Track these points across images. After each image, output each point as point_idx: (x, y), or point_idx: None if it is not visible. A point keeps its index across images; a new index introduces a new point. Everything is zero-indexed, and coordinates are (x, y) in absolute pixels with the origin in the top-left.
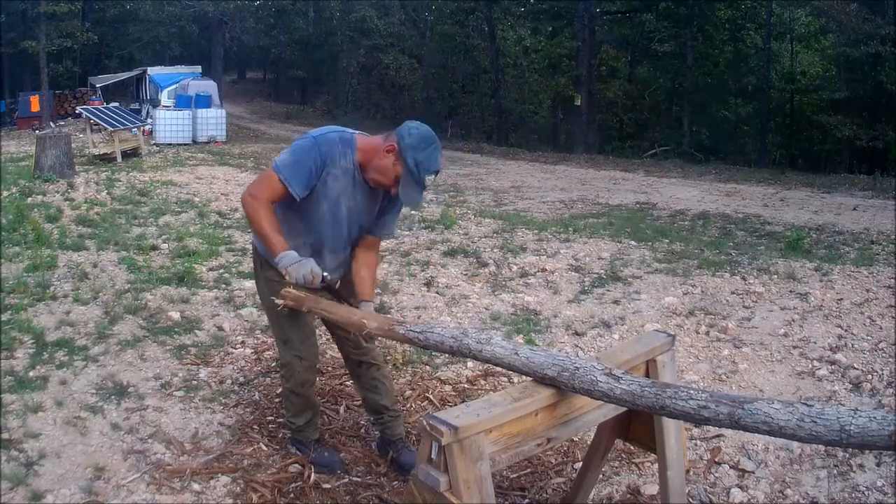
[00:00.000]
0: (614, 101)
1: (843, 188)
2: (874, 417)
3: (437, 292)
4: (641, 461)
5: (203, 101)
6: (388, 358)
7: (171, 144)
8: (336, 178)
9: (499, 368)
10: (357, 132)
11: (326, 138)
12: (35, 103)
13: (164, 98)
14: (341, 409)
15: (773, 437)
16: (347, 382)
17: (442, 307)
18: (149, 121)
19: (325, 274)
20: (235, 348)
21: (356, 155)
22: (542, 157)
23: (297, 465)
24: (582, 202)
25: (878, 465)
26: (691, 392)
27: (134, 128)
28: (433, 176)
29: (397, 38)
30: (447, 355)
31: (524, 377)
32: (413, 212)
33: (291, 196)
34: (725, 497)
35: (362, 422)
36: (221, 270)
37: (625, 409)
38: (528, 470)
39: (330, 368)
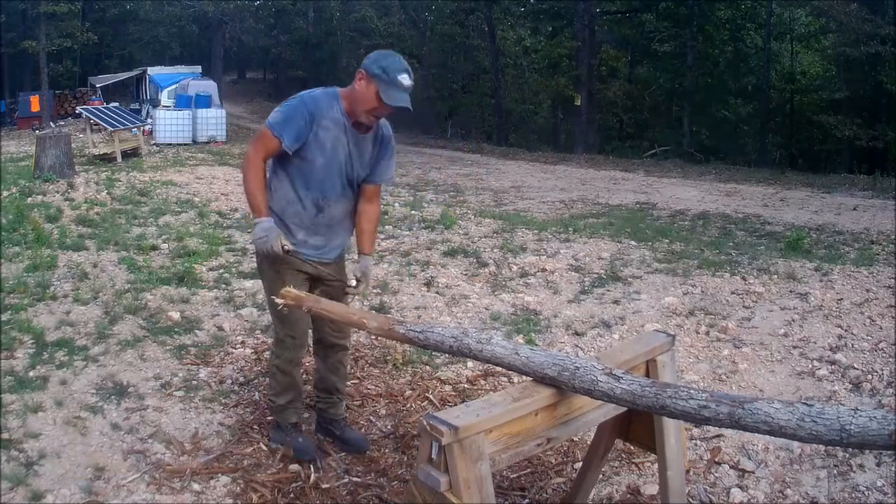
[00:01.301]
0: (614, 101)
1: (843, 188)
2: (874, 417)
3: (437, 292)
4: (641, 461)
5: (203, 101)
6: (388, 358)
7: (171, 144)
8: (327, 129)
9: (499, 368)
10: (339, 88)
11: (312, 95)
12: (35, 103)
13: (164, 98)
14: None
15: (773, 437)
16: (348, 382)
17: (442, 307)
18: (149, 121)
19: (287, 246)
20: (235, 348)
21: (342, 104)
22: (542, 157)
23: (296, 464)
24: (582, 202)
25: (878, 465)
26: (691, 392)
27: (134, 128)
28: (406, 75)
29: (397, 38)
30: (447, 355)
31: (524, 377)
32: (414, 211)
33: (285, 152)
34: (725, 497)
35: (362, 421)
36: (221, 270)
37: (625, 409)
38: (528, 470)
39: None
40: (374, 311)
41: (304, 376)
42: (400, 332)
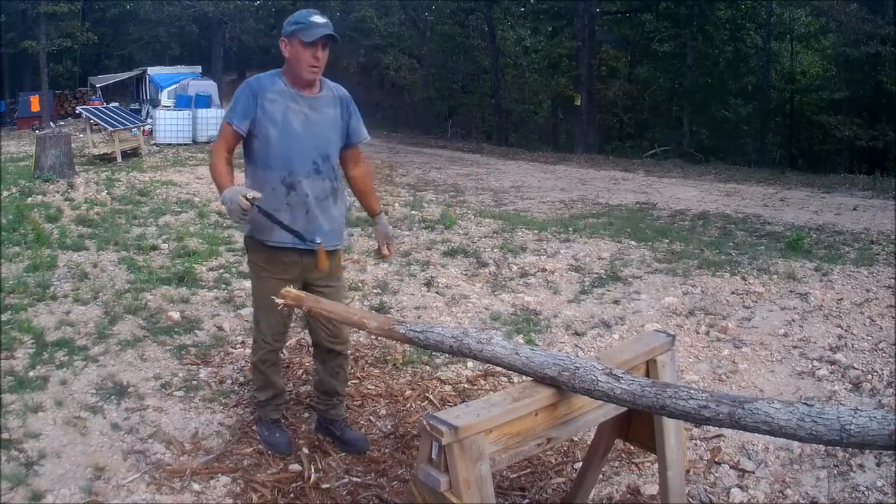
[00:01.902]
0: (614, 101)
1: (843, 188)
2: (874, 417)
3: (437, 292)
4: (641, 461)
5: (203, 101)
6: (388, 358)
7: (171, 144)
8: (273, 101)
9: (499, 368)
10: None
11: (255, 76)
12: (35, 103)
13: (164, 98)
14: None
15: (773, 438)
16: (348, 384)
17: (442, 307)
18: (149, 121)
19: (253, 194)
20: (235, 348)
21: (284, 78)
22: (542, 157)
23: (297, 464)
24: (582, 202)
25: (878, 465)
26: (691, 392)
27: (134, 128)
28: (317, 15)
29: (397, 38)
30: (447, 355)
31: (524, 377)
32: (414, 211)
33: (246, 139)
34: (725, 497)
35: (362, 421)
36: (221, 270)
37: (625, 409)
38: (528, 470)
39: None
40: (374, 312)
41: (304, 376)
42: (400, 332)
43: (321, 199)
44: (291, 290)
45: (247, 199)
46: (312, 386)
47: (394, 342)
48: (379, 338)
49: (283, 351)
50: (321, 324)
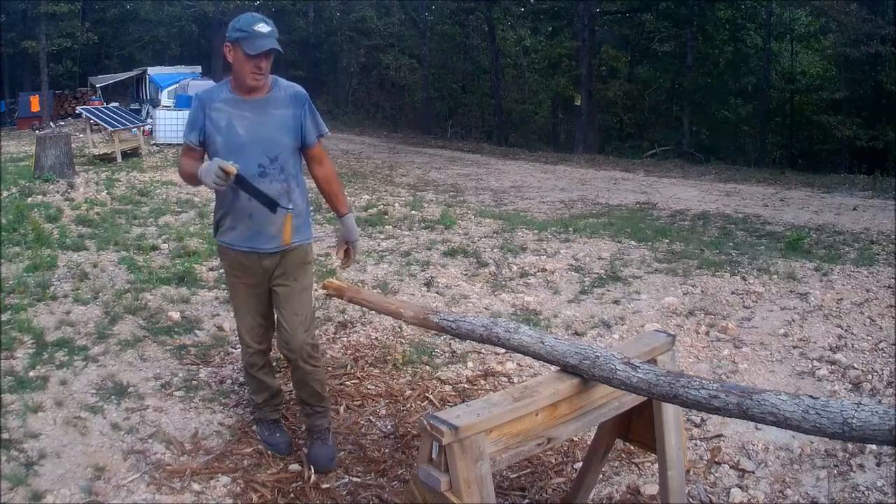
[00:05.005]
0: (614, 101)
1: (843, 188)
2: (876, 412)
3: (437, 292)
4: (641, 461)
5: None
6: (388, 358)
7: (171, 144)
8: (219, 111)
9: (499, 369)
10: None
11: (205, 89)
12: (35, 103)
13: (164, 98)
14: (341, 409)
15: (773, 438)
16: (348, 383)
17: (442, 307)
18: (149, 121)
19: (233, 164)
20: (235, 348)
21: (230, 85)
22: (542, 157)
23: (297, 464)
24: (582, 202)
25: (878, 465)
26: (703, 382)
27: (134, 128)
28: (263, 24)
29: (397, 38)
30: (447, 355)
31: (524, 378)
32: (414, 211)
33: (199, 150)
34: (725, 497)
35: (362, 421)
36: (221, 270)
37: (625, 409)
38: (528, 470)
39: (330, 368)
40: (411, 302)
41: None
42: (434, 322)
43: (281, 194)
44: (333, 281)
45: (226, 168)
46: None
47: (393, 342)
48: (379, 338)
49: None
50: (279, 328)
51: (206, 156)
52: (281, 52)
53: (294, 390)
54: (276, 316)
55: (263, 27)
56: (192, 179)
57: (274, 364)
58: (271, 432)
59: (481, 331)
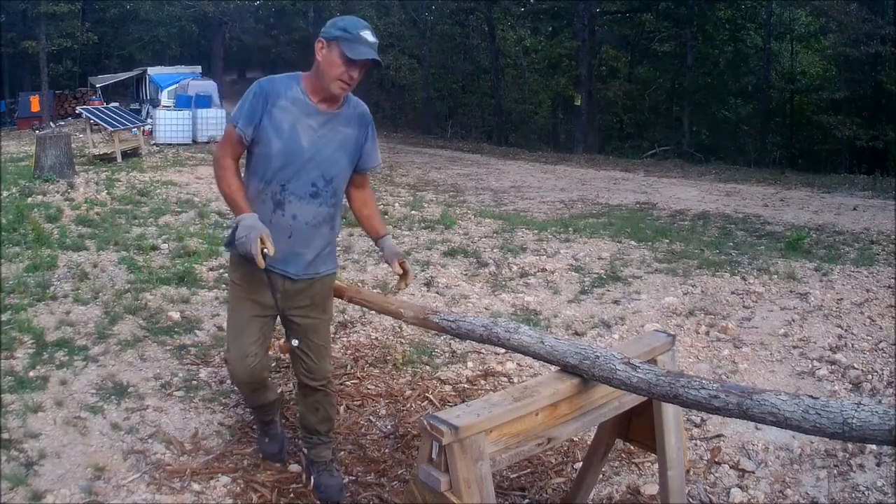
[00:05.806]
0: (614, 101)
1: (843, 188)
2: (876, 412)
3: (437, 292)
4: (641, 461)
5: (203, 101)
6: (388, 358)
7: (171, 144)
8: (284, 109)
9: (499, 369)
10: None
11: (269, 77)
12: (35, 103)
13: (164, 98)
14: (341, 410)
15: (773, 438)
16: (348, 383)
17: (442, 307)
18: (149, 121)
19: (267, 249)
20: None
21: (303, 85)
22: (542, 157)
23: (296, 465)
24: (582, 202)
25: (878, 465)
26: (703, 382)
27: (134, 128)
28: (368, 32)
29: (397, 38)
30: (447, 355)
31: (524, 378)
32: (414, 211)
33: (247, 144)
34: (725, 497)
35: (362, 421)
36: (221, 270)
37: (625, 409)
38: (528, 470)
39: None
40: (410, 301)
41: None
42: (434, 322)
43: (313, 225)
44: (335, 283)
45: (263, 247)
46: (297, 421)
47: (393, 342)
48: (379, 338)
49: (281, 354)
50: (300, 358)
51: (246, 152)
52: (381, 66)
53: (301, 419)
54: (292, 343)
55: (370, 35)
56: (228, 201)
57: (274, 364)
58: (269, 438)
59: (481, 331)
